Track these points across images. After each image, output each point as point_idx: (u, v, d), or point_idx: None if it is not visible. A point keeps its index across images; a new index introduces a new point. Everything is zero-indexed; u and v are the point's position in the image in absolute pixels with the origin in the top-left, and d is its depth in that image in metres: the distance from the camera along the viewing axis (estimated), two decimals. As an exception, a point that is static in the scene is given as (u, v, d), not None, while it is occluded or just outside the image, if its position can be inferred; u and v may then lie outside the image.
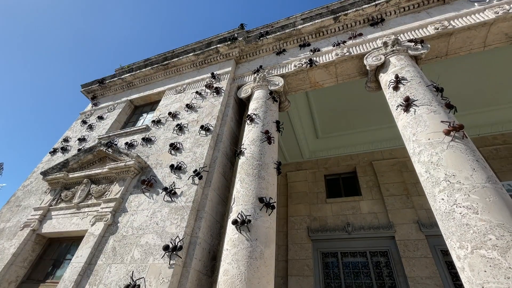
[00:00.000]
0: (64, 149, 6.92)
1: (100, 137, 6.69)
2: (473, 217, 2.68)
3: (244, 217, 3.56)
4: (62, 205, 5.23)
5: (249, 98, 6.07)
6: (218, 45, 7.13)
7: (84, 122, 7.79)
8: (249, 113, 5.39)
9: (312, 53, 6.06)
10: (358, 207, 7.55)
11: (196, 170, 4.43)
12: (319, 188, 8.59)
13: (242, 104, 6.50)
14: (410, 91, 4.18)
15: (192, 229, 3.86)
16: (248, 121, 5.18)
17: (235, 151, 5.25)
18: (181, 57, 7.63)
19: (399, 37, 5.32)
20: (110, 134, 6.54)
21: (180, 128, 5.59)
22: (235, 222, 3.54)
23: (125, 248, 3.90)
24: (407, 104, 4.01)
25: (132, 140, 5.93)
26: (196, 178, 4.34)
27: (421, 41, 4.99)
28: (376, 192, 7.70)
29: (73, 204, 5.07)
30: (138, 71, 8.10)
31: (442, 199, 3.00)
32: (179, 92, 6.94)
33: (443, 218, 2.93)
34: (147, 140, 5.73)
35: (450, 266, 5.92)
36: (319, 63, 5.77)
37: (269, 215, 3.72)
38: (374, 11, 6.03)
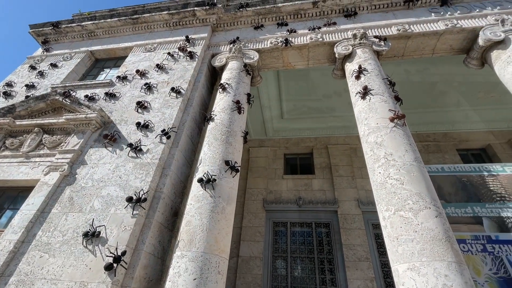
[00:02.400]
0: (7, 94, 6.16)
1: (54, 86, 6.10)
2: (399, 187, 3.33)
3: (210, 176, 3.79)
4: (7, 153, 4.79)
5: (223, 68, 6.10)
6: (195, 8, 6.87)
7: (33, 67, 6.94)
8: (222, 82, 5.47)
9: (288, 33, 6.26)
10: (310, 184, 8.34)
11: (164, 130, 4.46)
12: (278, 165, 9.17)
13: (214, 73, 6.49)
14: (368, 81, 4.72)
15: (157, 185, 3.97)
16: (220, 90, 5.28)
17: (204, 117, 5.34)
18: (153, 14, 7.16)
19: (367, 32, 5.82)
20: (67, 84, 6.01)
21: (149, 88, 5.43)
22: (200, 180, 3.76)
23: (84, 199, 3.85)
24: (365, 92, 4.54)
25: (94, 94, 5.57)
26: (164, 138, 4.38)
27: (385, 38, 5.56)
28: (327, 173, 8.56)
29: (21, 153, 4.69)
30: (103, 21, 7.39)
31: (380, 172, 3.61)
32: (149, 51, 6.60)
33: (378, 187, 3.56)
34: (111, 96, 5.45)
35: (377, 237, 7.05)
36: (294, 44, 6.02)
37: (233, 177, 4.01)
38: (350, 3, 6.41)
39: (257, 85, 6.56)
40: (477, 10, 5.74)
